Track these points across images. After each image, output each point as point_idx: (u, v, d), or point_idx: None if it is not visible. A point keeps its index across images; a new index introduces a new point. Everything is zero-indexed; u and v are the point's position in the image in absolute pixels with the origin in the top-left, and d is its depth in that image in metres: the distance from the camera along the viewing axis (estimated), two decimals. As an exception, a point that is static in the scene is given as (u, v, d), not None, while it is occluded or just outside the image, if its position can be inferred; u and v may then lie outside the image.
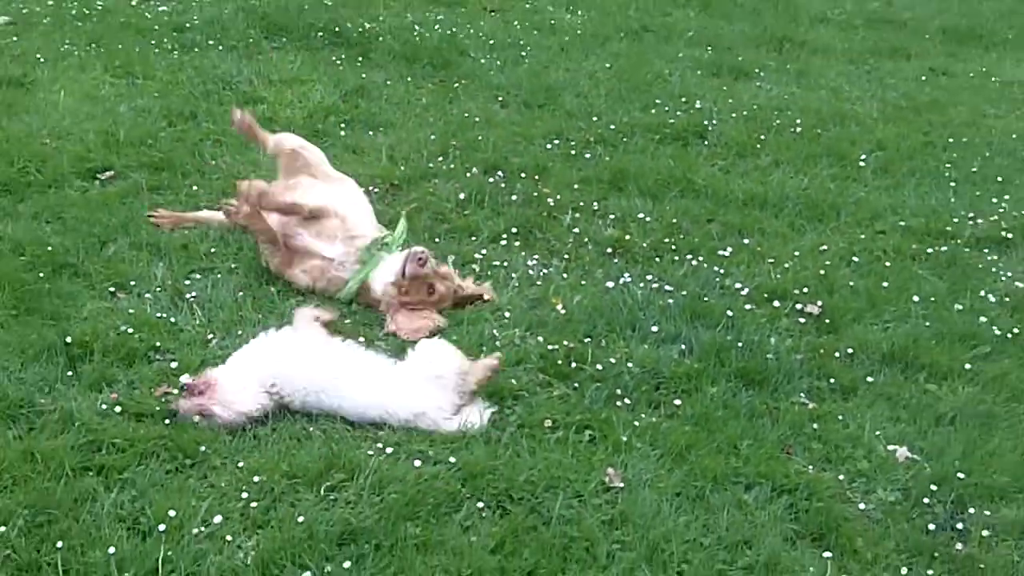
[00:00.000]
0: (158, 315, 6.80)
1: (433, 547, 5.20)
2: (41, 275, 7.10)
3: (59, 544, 5.01)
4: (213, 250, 7.59)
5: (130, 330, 6.59)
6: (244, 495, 5.40)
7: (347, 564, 5.03)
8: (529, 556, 5.16)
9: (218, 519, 5.23)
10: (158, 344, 6.51)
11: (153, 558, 4.97)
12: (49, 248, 7.37)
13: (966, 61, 12.93)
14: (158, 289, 7.08)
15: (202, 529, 5.18)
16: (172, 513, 5.21)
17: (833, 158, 9.70)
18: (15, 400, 5.95)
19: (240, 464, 5.60)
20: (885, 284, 7.62)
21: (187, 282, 7.18)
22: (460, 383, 6.09)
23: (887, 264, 7.96)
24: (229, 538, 5.14)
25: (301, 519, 5.26)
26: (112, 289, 7.06)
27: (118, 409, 5.93)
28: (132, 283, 7.12)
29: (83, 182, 8.47)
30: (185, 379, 5.95)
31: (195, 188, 8.42)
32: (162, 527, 5.14)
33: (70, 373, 6.23)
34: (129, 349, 6.43)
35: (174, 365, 6.28)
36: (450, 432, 5.95)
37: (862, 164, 9.61)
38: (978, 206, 8.92)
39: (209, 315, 6.87)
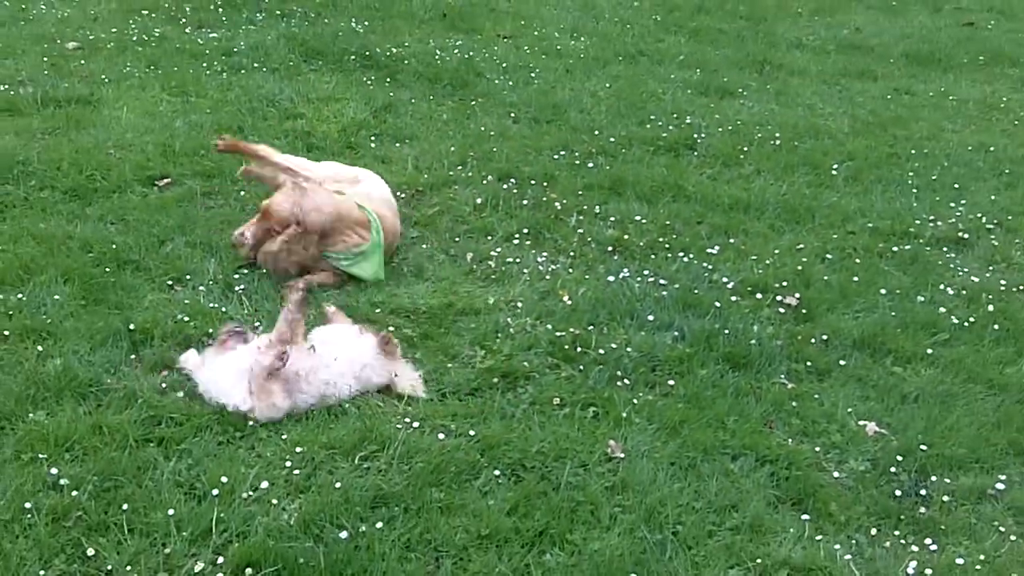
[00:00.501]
0: (211, 305, 6.80)
1: (455, 509, 5.21)
2: (107, 270, 7.10)
3: (124, 507, 5.03)
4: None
5: (186, 318, 6.60)
6: (288, 464, 5.41)
7: (379, 524, 5.04)
8: (540, 518, 5.17)
9: (265, 485, 5.25)
10: (211, 331, 6.50)
11: (207, 519, 4.98)
12: (114, 246, 7.38)
13: (926, 82, 12.87)
14: (210, 282, 7.08)
15: (251, 493, 5.20)
16: (224, 479, 5.22)
17: (808, 167, 9.67)
18: (85, 380, 5.96)
19: (284, 437, 5.61)
20: (855, 278, 7.61)
21: (236, 276, 7.18)
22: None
23: (857, 261, 7.95)
24: (275, 501, 5.16)
25: (338, 485, 5.27)
26: (170, 282, 7.06)
27: (180, 392, 5.94)
28: (187, 277, 7.12)
29: (143, 188, 8.46)
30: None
31: (242, 193, 8.41)
32: (215, 492, 5.15)
33: (133, 356, 6.24)
34: (185, 335, 6.44)
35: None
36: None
37: (834, 173, 9.58)
38: (938, 210, 8.90)
39: (256, 305, 6.87)
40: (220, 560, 4.79)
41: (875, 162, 9.93)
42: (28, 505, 5.00)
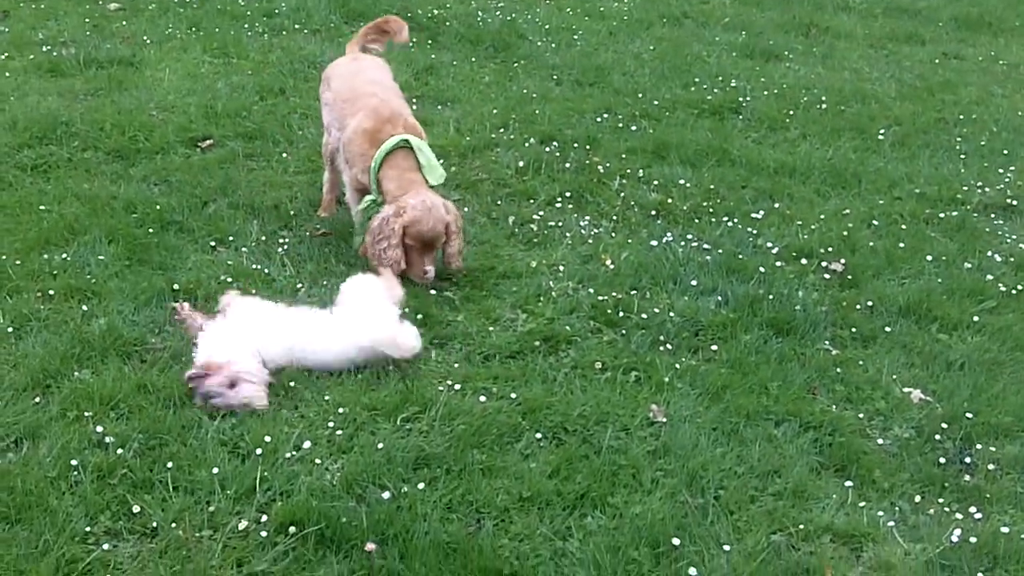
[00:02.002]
0: (253, 266, 6.87)
1: (497, 471, 5.26)
2: (150, 231, 7.18)
3: (169, 464, 5.10)
4: (300, 209, 7.66)
5: (229, 279, 6.67)
6: (330, 424, 5.47)
7: (421, 485, 5.10)
8: (581, 480, 5.21)
9: (307, 444, 5.32)
10: (254, 292, 6.56)
11: (251, 477, 5.06)
12: (157, 207, 7.45)
13: (975, 46, 12.80)
14: (253, 243, 7.15)
15: (294, 453, 5.27)
16: (267, 439, 5.30)
17: (855, 132, 9.65)
18: (129, 339, 6.05)
19: (326, 398, 5.67)
20: (901, 245, 7.61)
21: (278, 238, 7.24)
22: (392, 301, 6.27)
23: (903, 227, 7.93)
24: (318, 461, 5.22)
25: (380, 446, 5.33)
26: (212, 243, 7.14)
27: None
28: (230, 238, 7.19)
29: (186, 149, 8.54)
30: (192, 372, 5.68)
31: (284, 155, 8.47)
32: (259, 451, 5.23)
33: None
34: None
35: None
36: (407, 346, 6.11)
37: (881, 138, 9.56)
38: (986, 176, 8.87)
39: (298, 267, 6.93)
40: (264, 518, 4.86)
41: (922, 127, 9.89)
42: (74, 462, 5.08)
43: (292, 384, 5.76)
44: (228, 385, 5.57)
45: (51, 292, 6.45)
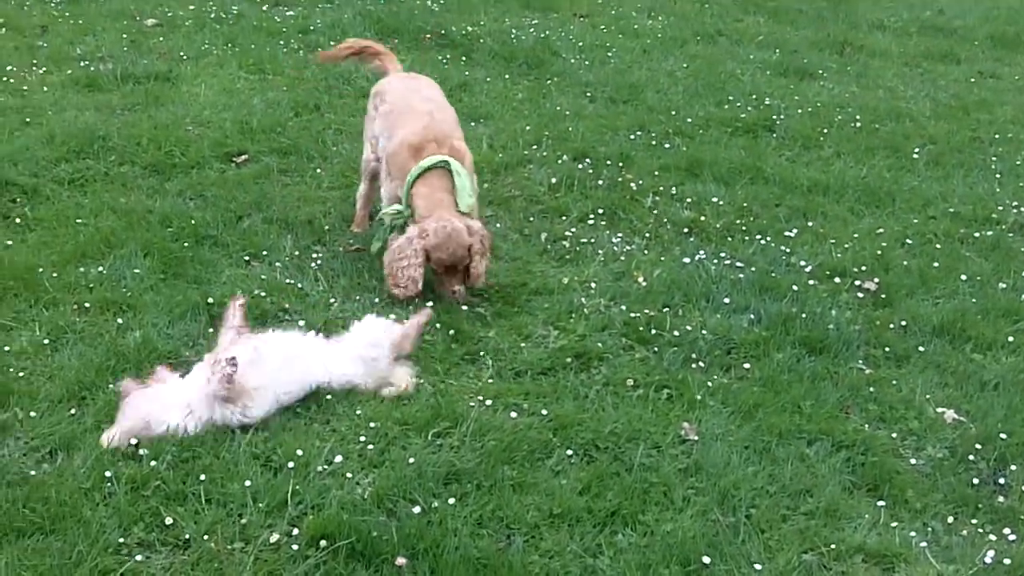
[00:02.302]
0: (287, 281, 6.90)
1: (527, 488, 5.26)
2: (185, 244, 7.22)
3: (201, 477, 5.11)
4: (333, 224, 7.69)
5: (263, 293, 6.70)
6: (362, 438, 5.48)
7: (451, 500, 5.11)
8: (612, 498, 5.21)
9: (339, 459, 5.33)
10: (287, 306, 6.62)
11: (283, 491, 5.06)
12: (192, 221, 7.49)
13: (1012, 65, 12.76)
14: (287, 258, 7.18)
15: (325, 467, 5.27)
16: (299, 452, 5.31)
17: (889, 151, 9.63)
18: (164, 352, 6.07)
19: (358, 412, 5.68)
20: (936, 264, 7.58)
21: (312, 253, 7.27)
22: (392, 353, 6.08)
23: (938, 246, 7.91)
24: (349, 475, 5.23)
25: (411, 460, 5.34)
26: (247, 258, 7.17)
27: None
28: (264, 253, 7.22)
29: (221, 164, 8.59)
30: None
31: (319, 171, 8.52)
32: (291, 464, 5.24)
33: (211, 330, 6.32)
34: (262, 310, 6.53)
35: (300, 323, 6.36)
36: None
37: (915, 156, 9.54)
38: (1021, 195, 8.83)
39: (331, 282, 6.96)
40: (295, 531, 4.87)
41: (957, 146, 9.86)
42: (108, 474, 5.10)
43: (328, 398, 5.78)
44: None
45: (87, 305, 6.49)
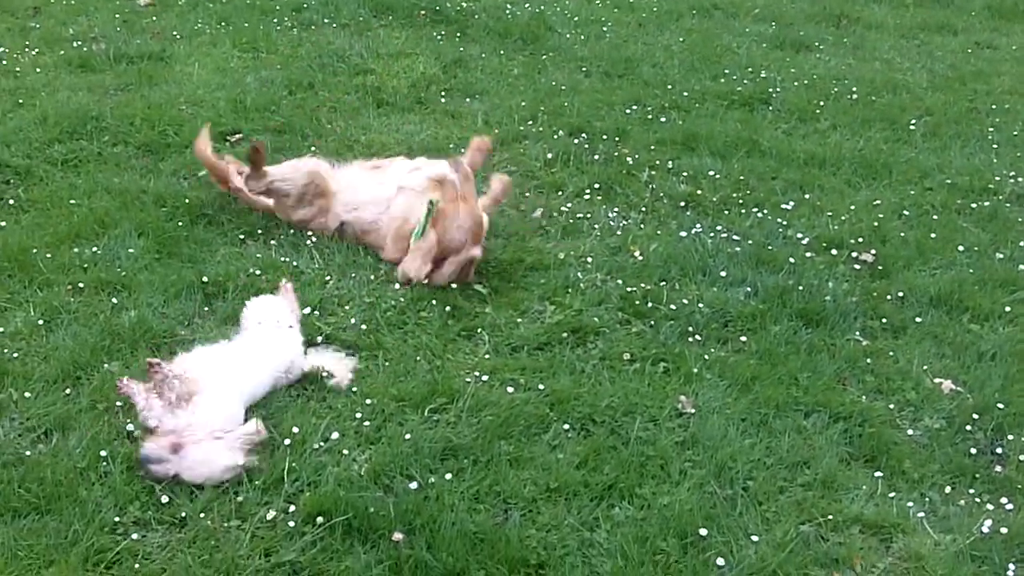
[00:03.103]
0: (282, 259, 6.90)
1: (524, 462, 5.29)
2: (180, 224, 7.21)
3: (198, 455, 5.14)
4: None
5: (258, 272, 6.70)
6: (358, 415, 5.50)
7: (448, 476, 5.14)
8: (610, 471, 5.23)
9: (335, 435, 5.35)
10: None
11: (280, 468, 5.09)
12: (187, 200, 7.49)
13: (1009, 35, 12.74)
14: (281, 237, 7.17)
15: (322, 444, 5.29)
16: (296, 430, 5.34)
17: (886, 123, 9.62)
18: (159, 331, 6.09)
19: (354, 389, 5.70)
20: (933, 235, 7.58)
21: (306, 231, 7.27)
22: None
23: (935, 217, 7.91)
24: (345, 452, 5.25)
25: (408, 436, 5.36)
26: (241, 236, 7.16)
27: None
28: (259, 231, 7.21)
29: (215, 143, 8.53)
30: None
31: (313, 149, 8.48)
32: (287, 442, 5.27)
33: (206, 309, 6.35)
34: (258, 288, 6.51)
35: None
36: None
37: (912, 128, 9.53)
38: (1018, 166, 8.83)
39: (326, 259, 6.95)
40: (292, 508, 4.89)
41: (954, 117, 9.85)
42: (104, 453, 5.12)
43: (323, 375, 5.78)
44: (171, 450, 5.07)
45: (81, 285, 6.48)
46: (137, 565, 4.61)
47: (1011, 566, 4.84)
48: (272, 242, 7.09)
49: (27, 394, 5.56)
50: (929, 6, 13.76)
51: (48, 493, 4.91)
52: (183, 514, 4.85)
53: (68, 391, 5.60)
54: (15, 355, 5.89)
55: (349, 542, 4.75)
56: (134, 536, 4.74)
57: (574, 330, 6.34)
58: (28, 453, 5.17)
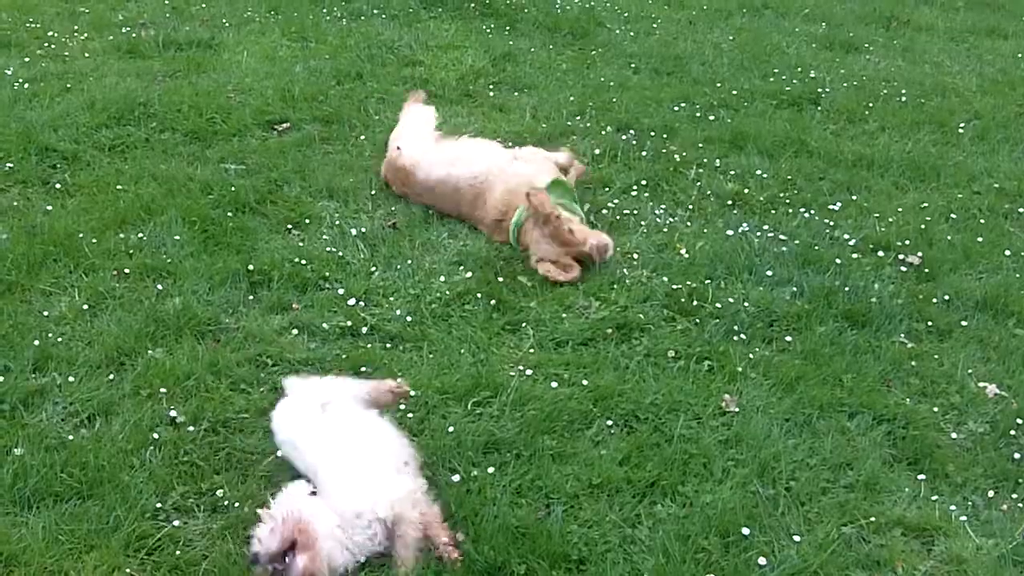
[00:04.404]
0: (328, 249, 6.91)
1: (567, 457, 5.28)
2: (226, 212, 7.23)
3: (239, 444, 5.20)
4: (374, 193, 7.68)
5: (303, 262, 6.71)
6: (402, 406, 5.50)
7: (491, 469, 5.13)
8: (652, 468, 5.21)
9: (379, 427, 5.34)
10: (327, 274, 6.63)
11: (321, 459, 5.08)
12: (233, 189, 7.51)
13: (1059, 40, 12.67)
14: (327, 227, 7.19)
15: (365, 435, 5.28)
16: (339, 421, 5.32)
17: (934, 125, 9.54)
18: (203, 319, 6.12)
19: (399, 380, 5.68)
20: (980, 239, 7.52)
21: (352, 221, 7.27)
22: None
23: (982, 221, 7.84)
24: (388, 443, 5.24)
25: (451, 429, 5.36)
26: (288, 226, 7.18)
27: (295, 331, 6.07)
28: (306, 221, 7.23)
29: (263, 132, 8.60)
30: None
31: (361, 139, 8.50)
32: (332, 432, 5.25)
33: (251, 297, 6.38)
34: (303, 278, 6.55)
35: (341, 292, 6.39)
36: None
37: (961, 131, 9.45)
38: (1067, 171, 8.77)
39: (372, 251, 6.96)
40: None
41: (1003, 121, 9.75)
42: (146, 439, 5.14)
43: (363, 369, 5.78)
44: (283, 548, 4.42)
45: (126, 271, 6.52)
46: (178, 552, 4.63)
47: (1054, 572, 4.81)
48: (318, 232, 7.10)
49: (71, 378, 5.59)
50: (979, 10, 13.65)
51: (90, 478, 4.93)
52: (224, 502, 4.86)
53: (112, 376, 5.64)
54: (59, 339, 5.93)
55: (390, 533, 4.75)
56: (175, 523, 4.76)
57: (619, 326, 6.32)
58: (71, 438, 5.20)
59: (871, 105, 9.88)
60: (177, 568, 4.56)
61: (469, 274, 6.70)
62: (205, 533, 4.74)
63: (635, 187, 7.97)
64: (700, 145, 8.77)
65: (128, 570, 4.52)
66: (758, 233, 7.40)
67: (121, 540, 4.63)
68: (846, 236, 7.42)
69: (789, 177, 8.28)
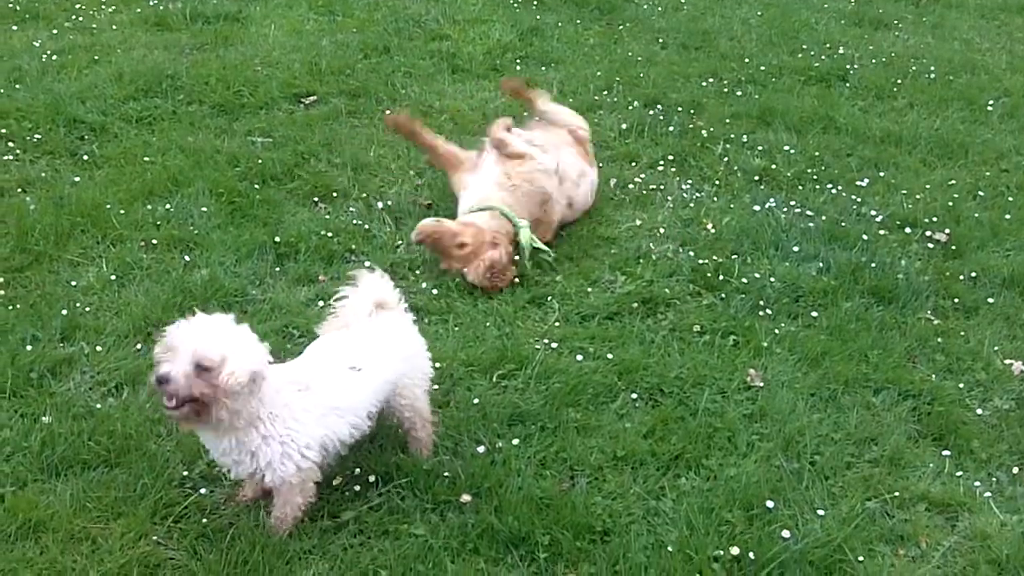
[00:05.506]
0: (354, 222, 6.95)
1: (592, 430, 5.31)
2: (253, 184, 7.27)
3: (266, 414, 5.18)
4: (401, 167, 7.71)
5: (330, 234, 6.76)
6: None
7: (515, 441, 5.16)
8: (676, 442, 5.23)
9: (404, 398, 5.37)
10: (353, 247, 6.67)
11: (347, 429, 5.11)
12: (260, 161, 7.55)
13: (1091, 18, 12.61)
14: (354, 200, 7.22)
15: (390, 407, 5.32)
16: (364, 391, 5.35)
17: (963, 103, 9.53)
18: (230, 290, 6.16)
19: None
20: (1007, 216, 7.51)
21: (379, 194, 7.30)
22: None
23: (1010, 199, 7.83)
24: (413, 414, 5.27)
25: (476, 401, 5.40)
26: (315, 199, 7.22)
27: (321, 302, 6.10)
28: (332, 194, 7.27)
29: (290, 105, 8.63)
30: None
31: (388, 113, 8.52)
32: (356, 403, 5.28)
33: (277, 269, 6.42)
34: (329, 251, 6.60)
35: (367, 264, 6.41)
36: None
37: (990, 109, 9.43)
38: (1096, 149, 8.75)
39: (398, 223, 6.99)
40: (358, 471, 4.92)
41: (1033, 99, 9.75)
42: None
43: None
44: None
45: (154, 242, 6.56)
46: (205, 520, 4.67)
47: (1079, 549, 4.82)
48: (344, 205, 7.13)
49: (98, 348, 5.64)
50: (1010, -14, 13.60)
51: (117, 446, 4.98)
52: (251, 470, 4.89)
53: (139, 346, 5.68)
54: (87, 309, 5.98)
55: (415, 503, 4.79)
56: (202, 491, 4.80)
57: (644, 301, 6.34)
58: (98, 406, 5.25)
59: (900, 82, 9.87)
60: (203, 536, 4.59)
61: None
62: (231, 501, 4.77)
63: (662, 162, 7.98)
64: (727, 121, 8.78)
65: (155, 537, 4.56)
66: (785, 209, 7.41)
67: (148, 507, 4.67)
68: (873, 212, 7.42)
69: (816, 153, 8.28)
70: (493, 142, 7.11)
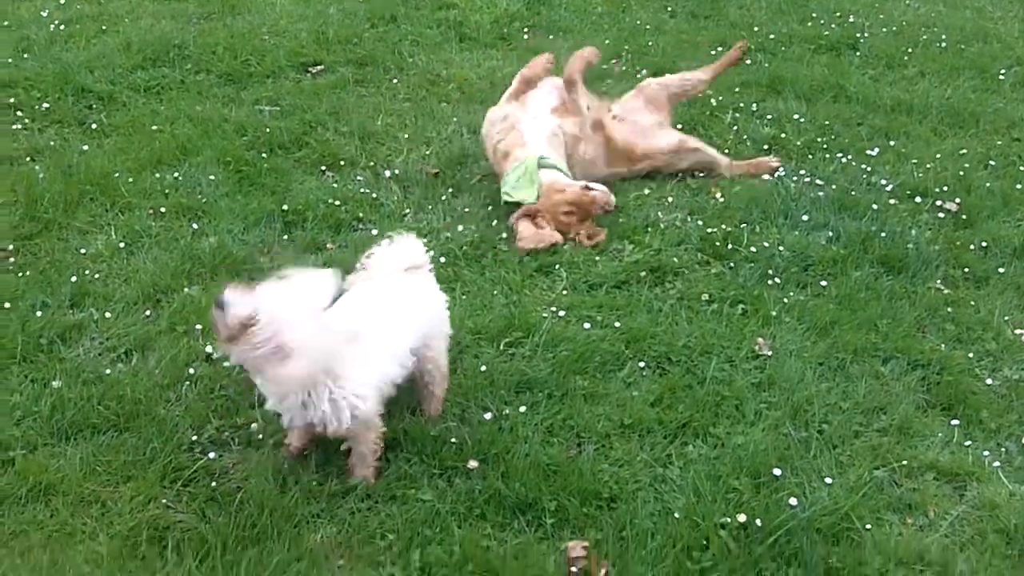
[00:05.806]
0: (362, 191, 6.97)
1: (599, 398, 5.32)
2: (261, 153, 7.30)
3: (275, 380, 5.21)
4: (408, 136, 7.72)
5: (337, 203, 6.77)
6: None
7: (523, 408, 5.18)
8: (684, 410, 5.25)
9: (412, 365, 5.39)
10: (361, 215, 6.69)
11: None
12: (267, 130, 7.58)
13: (1104, -13, 12.57)
14: (362, 168, 7.24)
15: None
16: (373, 358, 5.37)
17: (975, 71, 9.50)
18: (239, 258, 6.20)
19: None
20: (1018, 186, 7.50)
21: (386, 163, 7.32)
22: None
23: (1021, 168, 7.81)
24: (421, 381, 5.30)
25: (484, 368, 5.42)
26: (323, 167, 7.24)
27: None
28: (340, 163, 7.29)
29: (297, 74, 8.65)
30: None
31: (395, 82, 8.55)
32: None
33: (285, 237, 6.45)
34: (336, 219, 6.62)
35: (375, 232, 6.42)
36: None
37: (1002, 78, 9.41)
38: (1109, 119, 8.74)
39: (405, 192, 7.01)
40: (366, 436, 4.95)
41: (1045, 68, 9.74)
42: (182, 374, 5.22)
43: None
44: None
45: (162, 210, 6.60)
46: (214, 483, 4.71)
47: (1087, 518, 4.84)
48: (351, 173, 7.15)
49: (108, 314, 5.68)
50: (1024, -46, 13.56)
51: (127, 411, 5.02)
52: (259, 436, 4.94)
53: (148, 313, 5.72)
54: (96, 276, 6.02)
55: (423, 468, 4.82)
56: (211, 455, 4.84)
57: (652, 269, 6.35)
58: (108, 372, 5.29)
59: (910, 50, 9.85)
60: (212, 499, 4.63)
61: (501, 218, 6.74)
62: (240, 466, 4.82)
63: (671, 131, 7.98)
64: (737, 89, 8.78)
65: (164, 500, 4.61)
66: (794, 178, 7.41)
67: (157, 471, 4.71)
68: (883, 182, 7.42)
69: (827, 122, 8.28)
70: (567, 76, 7.22)
